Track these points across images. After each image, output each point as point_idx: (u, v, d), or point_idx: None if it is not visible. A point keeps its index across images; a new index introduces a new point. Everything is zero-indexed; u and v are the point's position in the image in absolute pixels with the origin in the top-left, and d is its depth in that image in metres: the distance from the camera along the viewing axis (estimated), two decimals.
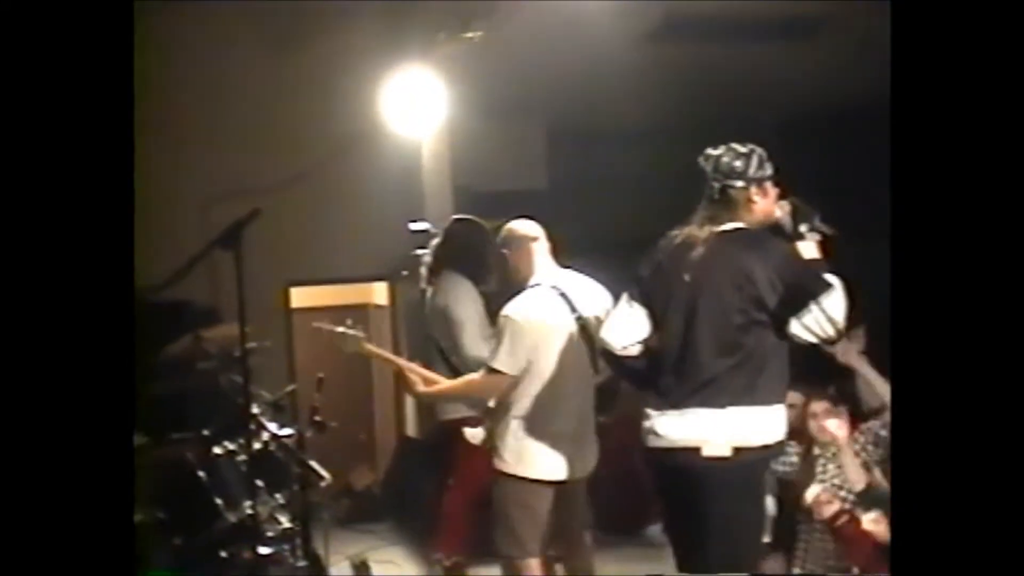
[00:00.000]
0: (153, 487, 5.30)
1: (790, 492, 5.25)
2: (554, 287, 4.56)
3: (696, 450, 3.72)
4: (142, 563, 5.07)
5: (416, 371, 4.96)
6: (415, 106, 7.14)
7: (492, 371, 4.49)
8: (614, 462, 5.16)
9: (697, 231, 3.87)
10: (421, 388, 4.88)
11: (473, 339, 5.32)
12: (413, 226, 6.70)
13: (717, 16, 7.46)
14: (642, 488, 4.90)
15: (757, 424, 3.74)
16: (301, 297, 8.27)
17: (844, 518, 5.04)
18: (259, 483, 5.06)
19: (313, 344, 8.13)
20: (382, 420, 9.01)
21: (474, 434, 5.14)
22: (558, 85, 7.80)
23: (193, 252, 4.43)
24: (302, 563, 5.30)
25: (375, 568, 6.23)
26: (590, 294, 4.60)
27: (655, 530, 6.38)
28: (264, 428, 5.34)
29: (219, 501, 5.21)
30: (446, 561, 5.64)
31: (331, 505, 6.69)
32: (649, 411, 3.87)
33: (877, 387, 5.34)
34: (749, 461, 3.75)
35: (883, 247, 2.68)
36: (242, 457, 5.29)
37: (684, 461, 3.76)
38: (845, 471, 5.05)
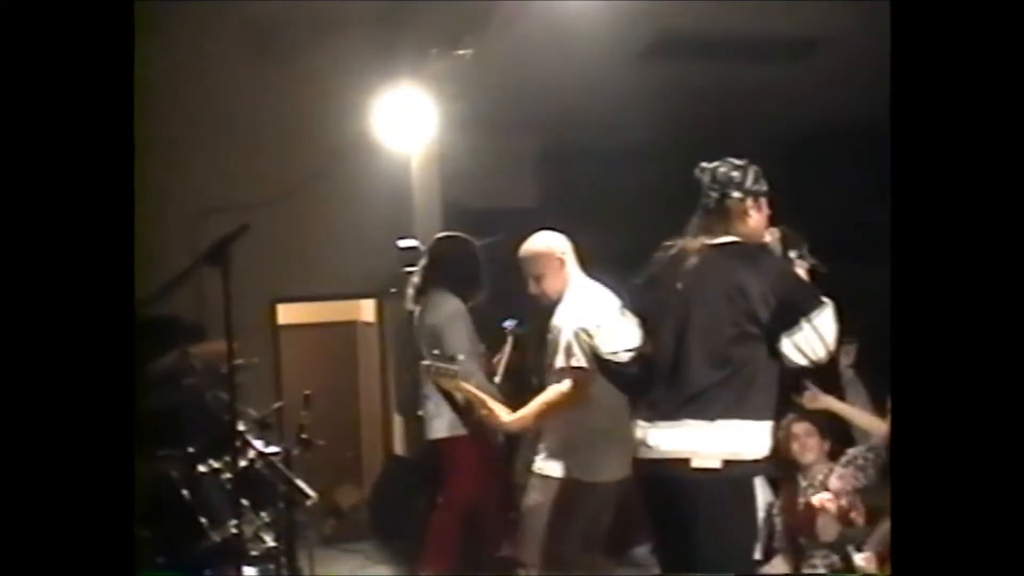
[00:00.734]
0: (137, 504, 5.23)
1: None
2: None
3: (686, 462, 3.71)
4: None
5: (496, 405, 4.73)
6: (405, 122, 7.13)
7: (579, 370, 4.46)
8: None
9: (691, 242, 3.89)
10: (507, 418, 4.68)
11: (461, 355, 5.28)
12: (402, 243, 6.67)
13: (710, 34, 7.47)
14: (628, 506, 4.86)
15: (746, 438, 3.72)
16: (288, 314, 8.21)
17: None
18: (244, 502, 5.02)
19: (300, 361, 8.14)
20: (369, 438, 8.95)
21: None
22: (550, 102, 7.79)
23: (179, 267, 4.41)
24: None
25: None
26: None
27: (642, 551, 6.33)
28: (250, 446, 5.29)
29: (203, 520, 5.16)
30: None
31: (317, 524, 6.64)
32: (639, 422, 3.86)
33: (854, 419, 5.35)
34: (738, 475, 3.74)
35: (878, 265, 2.67)
36: (227, 475, 5.24)
37: (673, 473, 3.75)
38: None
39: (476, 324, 5.51)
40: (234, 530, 4.91)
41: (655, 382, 3.84)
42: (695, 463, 3.70)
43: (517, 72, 7.22)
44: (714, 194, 3.87)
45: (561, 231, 4.80)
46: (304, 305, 8.33)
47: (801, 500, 5.14)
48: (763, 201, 3.93)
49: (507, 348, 5.39)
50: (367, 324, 8.88)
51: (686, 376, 3.76)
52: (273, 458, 5.29)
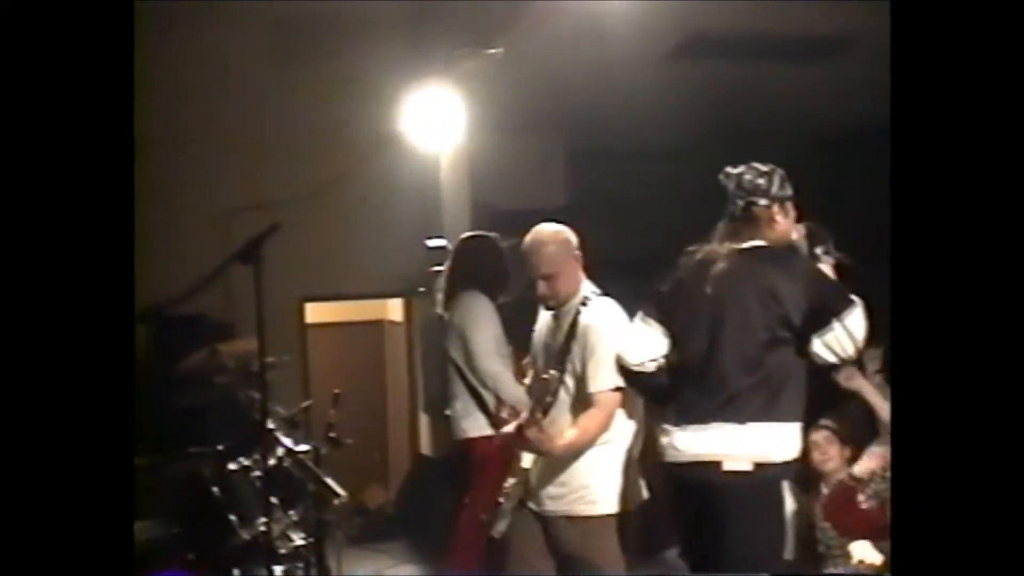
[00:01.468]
0: (167, 502, 5.27)
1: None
2: (601, 292, 4.27)
3: (716, 464, 3.72)
4: None
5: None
6: (434, 122, 7.12)
7: (614, 391, 4.08)
8: None
9: (718, 248, 3.88)
10: (560, 443, 4.12)
11: (487, 355, 5.29)
12: (430, 243, 6.68)
13: (738, 35, 7.44)
14: (657, 510, 4.85)
15: (777, 440, 3.73)
16: (316, 313, 8.25)
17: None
18: (273, 500, 5.03)
19: (328, 360, 8.17)
20: (396, 438, 8.97)
21: None
22: (578, 103, 7.79)
23: (209, 266, 4.43)
24: None
25: None
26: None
27: (671, 554, 6.31)
28: (279, 444, 5.30)
29: (233, 517, 5.18)
30: None
31: (344, 523, 6.66)
32: (667, 426, 3.86)
33: (881, 412, 5.33)
34: (769, 477, 3.73)
35: None
36: (257, 473, 5.25)
37: (704, 476, 3.75)
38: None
39: (505, 326, 5.50)
40: (263, 528, 4.91)
41: (686, 386, 3.84)
42: (726, 465, 3.70)
43: (546, 72, 7.21)
44: (740, 201, 3.87)
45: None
46: (332, 304, 8.37)
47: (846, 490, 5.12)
48: (789, 205, 3.92)
49: None
50: (395, 323, 8.90)
51: (718, 380, 3.75)
52: (303, 456, 5.31)
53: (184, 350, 5.59)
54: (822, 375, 3.95)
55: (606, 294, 4.28)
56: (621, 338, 4.01)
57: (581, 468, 4.17)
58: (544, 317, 4.50)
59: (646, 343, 3.95)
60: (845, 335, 3.64)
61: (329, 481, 5.22)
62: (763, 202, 3.85)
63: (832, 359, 3.70)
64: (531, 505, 4.33)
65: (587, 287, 4.25)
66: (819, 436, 5.20)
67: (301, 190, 7.55)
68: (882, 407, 5.29)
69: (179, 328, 6.68)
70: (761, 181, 3.86)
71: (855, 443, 5.32)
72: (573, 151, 9.02)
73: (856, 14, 7.00)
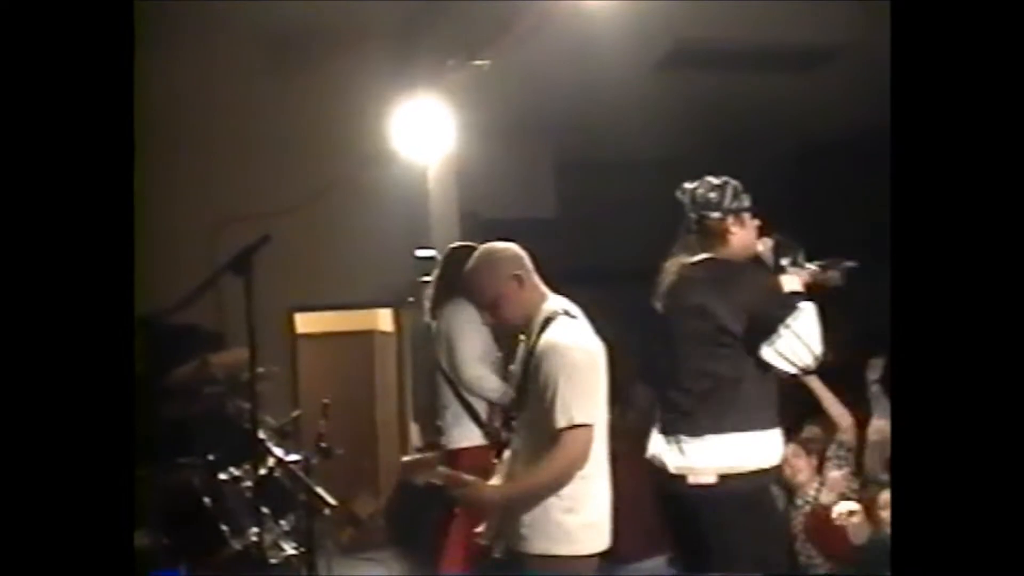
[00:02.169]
0: (158, 512, 5.26)
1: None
2: (568, 311, 3.59)
3: (683, 478, 3.77)
4: None
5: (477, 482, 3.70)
6: (423, 133, 7.15)
7: (576, 428, 3.39)
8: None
9: (669, 264, 3.96)
10: (497, 494, 3.67)
11: (470, 360, 5.31)
12: (419, 253, 6.69)
13: (726, 45, 7.49)
14: (645, 517, 4.86)
15: (742, 450, 3.74)
16: (306, 323, 8.25)
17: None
18: (264, 510, 5.02)
19: (317, 370, 8.17)
20: (386, 447, 8.97)
21: None
22: (566, 113, 7.82)
23: (199, 277, 4.43)
24: None
25: None
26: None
27: (659, 562, 6.32)
28: (270, 454, 5.30)
29: (224, 527, 5.17)
30: None
31: (335, 533, 6.65)
32: (653, 432, 3.92)
33: (840, 420, 5.37)
34: (741, 488, 3.74)
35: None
36: (248, 483, 5.25)
37: (674, 489, 3.81)
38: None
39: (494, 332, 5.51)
40: (254, 538, 4.91)
41: (657, 400, 3.91)
42: (691, 479, 3.75)
43: (534, 83, 7.25)
44: (694, 216, 3.91)
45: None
46: (322, 314, 8.37)
47: (819, 515, 5.17)
48: (745, 217, 3.93)
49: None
50: (385, 333, 8.90)
51: (673, 393, 3.83)
52: (293, 466, 5.31)
53: (174, 361, 5.59)
54: (783, 385, 3.96)
55: (569, 314, 3.60)
56: (583, 366, 3.46)
57: (556, 505, 3.52)
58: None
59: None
60: (797, 341, 3.64)
61: (320, 491, 5.23)
62: (715, 215, 3.88)
63: (788, 367, 3.71)
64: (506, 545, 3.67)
65: (554, 305, 3.60)
66: (787, 450, 5.23)
67: (291, 200, 7.56)
68: (840, 415, 5.36)
69: (169, 339, 6.67)
70: (713, 195, 3.89)
71: (820, 455, 5.40)
72: (561, 161, 9.05)
73: (844, 24, 7.07)
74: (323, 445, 5.32)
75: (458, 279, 5.58)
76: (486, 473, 3.93)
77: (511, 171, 8.38)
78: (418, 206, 7.66)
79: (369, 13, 7.41)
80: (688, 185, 3.95)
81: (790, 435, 5.16)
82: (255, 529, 4.87)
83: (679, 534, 3.97)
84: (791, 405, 4.99)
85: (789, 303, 3.70)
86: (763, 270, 3.92)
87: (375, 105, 7.32)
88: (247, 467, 5.21)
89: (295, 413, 6.04)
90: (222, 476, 5.33)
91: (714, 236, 3.89)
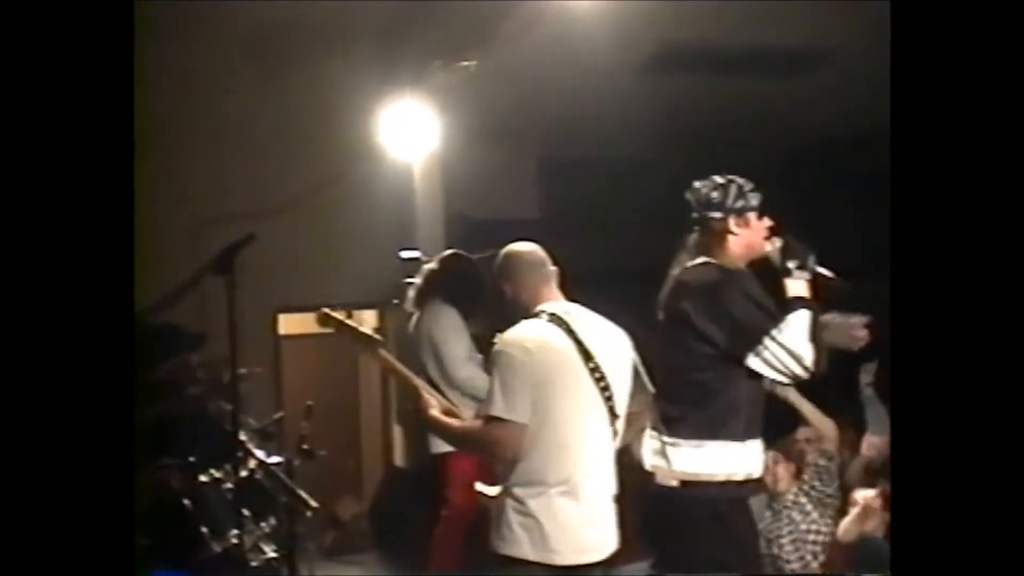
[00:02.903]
0: (138, 513, 5.22)
1: None
2: (554, 315, 3.63)
3: (651, 475, 3.79)
4: None
5: (434, 396, 3.94)
6: (409, 134, 7.14)
7: (492, 419, 3.51)
8: None
9: (676, 266, 3.92)
10: (434, 413, 3.82)
11: (460, 362, 5.31)
12: (404, 254, 6.68)
13: (712, 47, 7.49)
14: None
15: (713, 459, 3.71)
16: (289, 324, 8.21)
17: None
18: (245, 512, 5.00)
19: (301, 372, 8.13)
20: (369, 450, 8.93)
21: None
22: (552, 114, 7.81)
23: (182, 277, 4.40)
24: None
25: None
26: (601, 331, 3.71)
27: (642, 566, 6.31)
28: (251, 455, 5.28)
29: (204, 529, 5.15)
30: None
31: (317, 535, 6.62)
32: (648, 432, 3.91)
33: (811, 418, 5.38)
34: (703, 496, 3.71)
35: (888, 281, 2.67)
36: (228, 485, 5.23)
37: (644, 487, 3.81)
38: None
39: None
40: (235, 540, 4.89)
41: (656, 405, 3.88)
42: (658, 479, 3.76)
43: (519, 84, 7.24)
44: (697, 216, 3.86)
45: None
46: (306, 315, 8.31)
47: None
48: (750, 217, 3.84)
49: None
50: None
51: (664, 397, 3.80)
52: (274, 468, 5.28)
53: (157, 361, 5.56)
54: (768, 396, 3.96)
55: (553, 315, 3.66)
56: (516, 364, 3.52)
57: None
58: None
59: None
60: (783, 351, 3.59)
61: (302, 493, 5.20)
62: (718, 215, 3.82)
63: (777, 376, 3.67)
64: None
65: (546, 307, 3.69)
66: (767, 457, 5.23)
67: (275, 201, 7.52)
68: (824, 425, 5.36)
69: (151, 339, 6.63)
70: (715, 194, 3.83)
71: (799, 461, 5.40)
72: (547, 162, 9.04)
73: (831, 27, 7.08)
74: (305, 447, 5.28)
75: (441, 281, 5.63)
76: (477, 479, 3.98)
77: (497, 172, 8.36)
78: (403, 207, 7.63)
79: (355, 14, 7.38)
80: (696, 184, 3.90)
81: (773, 443, 5.18)
82: (236, 531, 4.87)
83: (646, 532, 4.00)
84: (776, 415, 5.01)
85: (774, 313, 3.65)
86: (752, 278, 3.83)
87: (360, 105, 7.30)
88: (228, 469, 5.18)
89: (278, 415, 6.01)
90: (203, 478, 5.31)
91: (717, 236, 3.83)
